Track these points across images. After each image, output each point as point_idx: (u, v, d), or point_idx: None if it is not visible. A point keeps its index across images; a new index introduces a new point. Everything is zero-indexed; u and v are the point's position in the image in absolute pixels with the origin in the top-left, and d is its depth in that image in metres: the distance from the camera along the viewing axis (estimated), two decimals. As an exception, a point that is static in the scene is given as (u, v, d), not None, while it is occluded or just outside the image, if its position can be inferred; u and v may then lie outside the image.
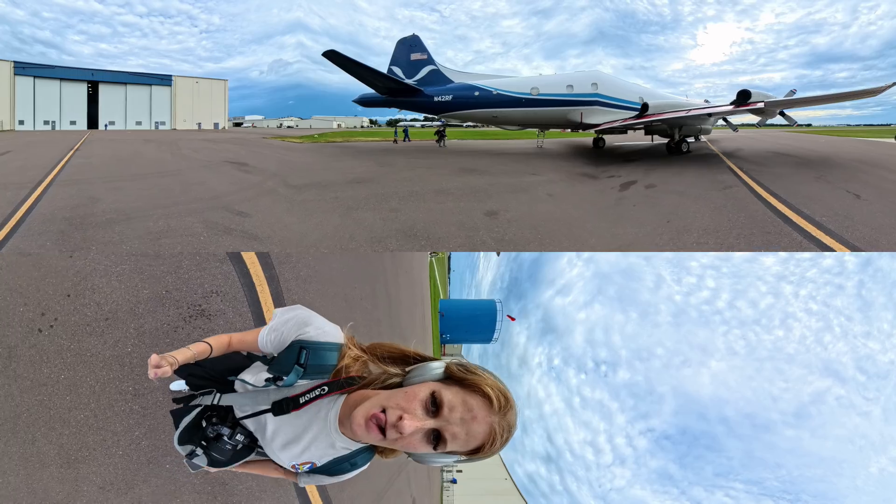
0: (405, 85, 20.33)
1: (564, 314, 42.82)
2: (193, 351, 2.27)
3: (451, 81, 20.57)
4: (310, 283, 6.23)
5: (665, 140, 20.00)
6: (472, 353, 43.97)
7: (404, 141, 29.47)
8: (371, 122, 70.75)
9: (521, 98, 19.70)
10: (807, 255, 31.88)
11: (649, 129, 20.11)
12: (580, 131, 22.08)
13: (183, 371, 2.30)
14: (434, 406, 1.72)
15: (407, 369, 1.96)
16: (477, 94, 19.96)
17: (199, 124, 68.35)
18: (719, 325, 36.99)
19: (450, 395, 1.72)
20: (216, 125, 69.89)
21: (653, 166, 15.42)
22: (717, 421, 36.26)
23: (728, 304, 36.68)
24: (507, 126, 21.28)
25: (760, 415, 35.28)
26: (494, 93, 19.85)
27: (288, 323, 2.11)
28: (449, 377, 1.83)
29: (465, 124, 28.95)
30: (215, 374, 2.31)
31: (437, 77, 20.71)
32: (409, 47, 21.16)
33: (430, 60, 20.91)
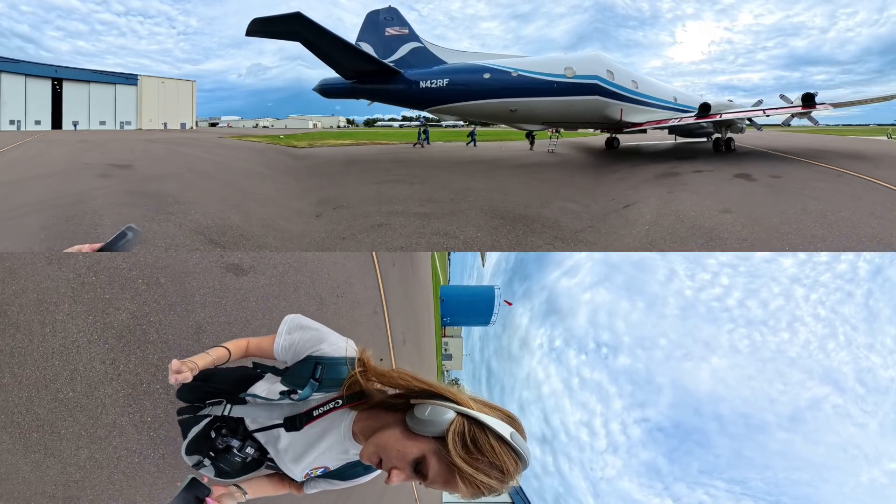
0: (378, 64, 13.18)
1: (569, 295, 39.44)
2: (213, 356, 2.17)
3: (444, 63, 13.73)
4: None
5: (693, 139, 19.17)
6: (473, 336, 43.63)
7: (425, 144, 22.56)
8: (348, 121, 63.55)
9: (553, 83, 13.03)
10: (824, 257, 30.77)
11: (674, 129, 17.72)
12: (605, 132, 17.75)
13: (198, 384, 2.18)
14: (419, 468, 1.58)
15: (412, 401, 1.67)
16: (487, 76, 13.05)
17: (165, 124, 62.01)
18: (726, 323, 34.32)
19: (434, 471, 1.54)
20: (183, 125, 63.35)
21: (729, 161, 14.19)
22: (710, 417, 33.89)
23: (738, 302, 34.07)
24: (527, 125, 14.51)
25: (755, 415, 32.92)
26: (514, 75, 13.02)
27: (304, 337, 2.03)
28: (444, 443, 1.53)
29: (444, 124, 23.69)
30: (226, 384, 2.20)
31: (423, 57, 13.78)
32: (384, 21, 14.19)
33: (412, 36, 13.96)
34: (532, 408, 38.64)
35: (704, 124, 16.33)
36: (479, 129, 24.80)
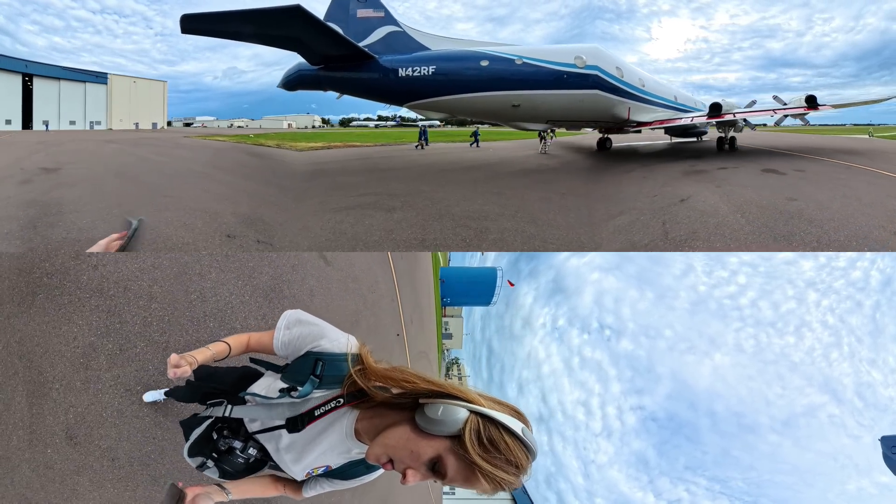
0: (350, 46, 10.07)
1: (577, 275, 38.10)
2: (213, 351, 2.07)
3: (427, 49, 10.89)
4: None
5: (687, 139, 18.49)
6: (474, 315, 42.40)
7: (423, 146, 19.71)
8: (324, 120, 60.00)
9: (563, 73, 10.42)
10: (842, 263, 30.46)
11: (671, 129, 16.40)
12: (603, 132, 15.62)
13: (197, 385, 2.19)
14: (436, 468, 1.50)
15: (422, 400, 1.57)
16: (485, 64, 10.25)
17: (137, 124, 58.07)
18: (735, 321, 33.54)
19: (454, 470, 1.48)
20: (154, 125, 58.95)
21: (743, 159, 13.64)
22: (705, 413, 33.13)
23: (751, 302, 33.11)
24: (527, 123, 11.58)
25: (749, 416, 32.25)
26: (519, 63, 10.30)
27: (303, 332, 1.90)
28: (461, 442, 1.46)
29: (424, 121, 22.04)
30: (225, 387, 2.12)
31: (402, 43, 10.93)
32: (355, 2, 11.14)
33: (389, 20, 11.13)
34: (531, 387, 37.93)
35: (699, 124, 15.50)
36: (451, 128, 22.68)
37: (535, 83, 10.43)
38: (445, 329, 36.31)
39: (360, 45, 10.44)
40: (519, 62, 10.36)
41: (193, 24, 8.82)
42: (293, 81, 11.22)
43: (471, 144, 19.93)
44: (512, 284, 37.02)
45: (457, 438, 1.46)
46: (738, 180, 9.81)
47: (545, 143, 15.55)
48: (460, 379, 45.57)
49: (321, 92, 11.54)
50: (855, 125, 39.01)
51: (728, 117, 13.79)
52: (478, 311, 41.60)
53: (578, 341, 36.34)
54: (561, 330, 37.54)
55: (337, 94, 11.03)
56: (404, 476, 1.51)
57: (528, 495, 32.61)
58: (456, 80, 10.23)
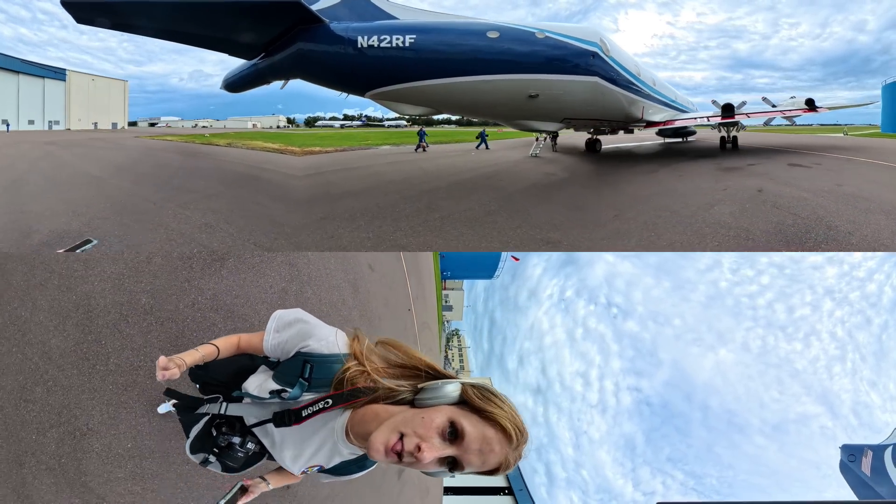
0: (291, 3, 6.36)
1: None
2: (201, 353, 1.94)
3: (395, 19, 7.49)
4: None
5: (677, 139, 17.82)
6: (477, 287, 40.63)
7: (424, 148, 17.02)
8: (289, 120, 56.45)
9: (590, 54, 7.53)
10: (862, 273, 29.27)
11: (665, 130, 15.54)
12: (593, 136, 13.95)
13: (193, 379, 2.09)
14: (453, 434, 1.43)
15: (419, 385, 1.56)
16: (494, 36, 6.94)
17: (96, 124, 54.11)
18: (747, 320, 32.13)
19: (469, 425, 1.43)
20: (114, 125, 55.34)
21: (756, 156, 12.93)
22: (698, 406, 31.69)
23: (768, 303, 31.78)
24: (540, 122, 8.37)
25: (741, 415, 30.92)
26: (541, 36, 7.15)
27: (291, 334, 1.79)
28: (465, 402, 1.48)
29: (387, 123, 20.25)
30: (222, 380, 2.01)
31: (363, 12, 7.41)
32: None
33: None
34: (531, 358, 35.92)
35: (693, 125, 15.12)
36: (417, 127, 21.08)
37: (561, 66, 7.33)
38: (446, 301, 34.96)
39: (314, 7, 7.44)
40: (541, 36, 7.23)
41: (82, 12, 6.55)
42: (237, 83, 8.49)
43: (477, 146, 17.40)
44: (517, 259, 34.88)
45: (460, 403, 1.46)
46: (780, 173, 9.91)
47: (553, 144, 13.00)
48: (460, 350, 43.87)
49: (287, 91, 8.89)
50: (822, 125, 39.40)
51: (740, 118, 12.69)
52: (480, 282, 39.99)
53: (584, 312, 34.73)
54: (568, 301, 35.79)
55: (282, 83, 8.10)
56: (419, 450, 1.37)
57: (518, 470, 31.27)
58: (447, 58, 6.87)
